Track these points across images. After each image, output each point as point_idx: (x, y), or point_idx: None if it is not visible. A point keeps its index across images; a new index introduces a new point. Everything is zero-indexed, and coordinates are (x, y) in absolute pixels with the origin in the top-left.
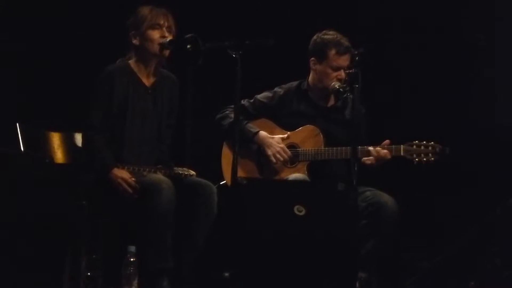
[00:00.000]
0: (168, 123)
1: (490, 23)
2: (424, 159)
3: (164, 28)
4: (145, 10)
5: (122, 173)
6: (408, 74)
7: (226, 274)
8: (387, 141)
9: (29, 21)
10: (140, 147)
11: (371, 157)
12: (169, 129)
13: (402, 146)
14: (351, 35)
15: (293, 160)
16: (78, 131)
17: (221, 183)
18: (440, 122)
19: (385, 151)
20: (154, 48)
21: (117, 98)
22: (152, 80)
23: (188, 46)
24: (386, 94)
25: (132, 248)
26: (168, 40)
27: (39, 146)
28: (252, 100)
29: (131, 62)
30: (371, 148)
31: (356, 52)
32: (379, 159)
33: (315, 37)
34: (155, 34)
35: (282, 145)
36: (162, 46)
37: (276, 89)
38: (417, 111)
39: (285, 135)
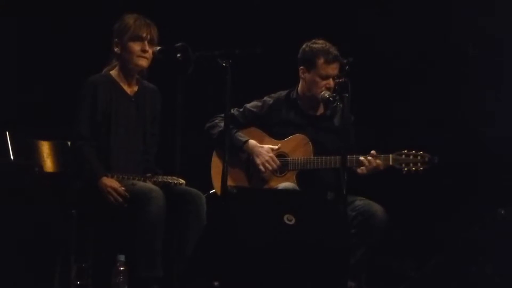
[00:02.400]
0: (152, 132)
1: (482, 32)
2: (413, 168)
3: (146, 42)
4: (129, 20)
5: (111, 182)
6: (397, 83)
7: (216, 283)
8: (373, 152)
9: (17, 25)
10: (126, 155)
11: (362, 167)
12: (154, 138)
13: (391, 155)
14: (340, 44)
15: (282, 169)
16: (68, 140)
17: (210, 192)
18: (429, 132)
19: (379, 161)
20: (133, 60)
21: (101, 107)
22: (134, 88)
23: (178, 55)
24: (375, 103)
25: (122, 257)
26: (158, 48)
27: (29, 155)
28: (241, 109)
29: (113, 72)
30: (362, 158)
31: (345, 61)
32: (371, 169)
33: (304, 46)
34: (136, 47)
35: (271, 154)
36: (153, 54)
37: (265, 98)
38: (407, 120)
39: (275, 145)
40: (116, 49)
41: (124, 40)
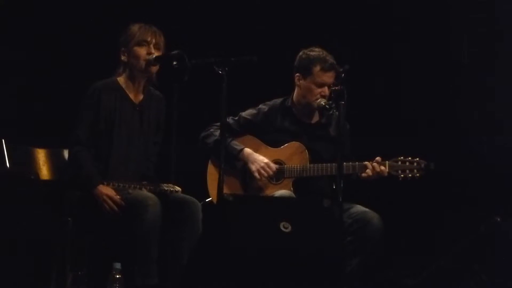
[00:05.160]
0: (154, 141)
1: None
2: (410, 175)
3: (151, 45)
4: (134, 28)
5: (107, 190)
6: (392, 90)
7: None
8: (378, 158)
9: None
10: (126, 163)
11: (368, 171)
12: (155, 147)
13: (387, 162)
14: (335, 51)
15: (279, 176)
16: (64, 148)
17: (206, 200)
18: (425, 139)
19: (383, 167)
20: (139, 65)
21: (103, 113)
22: (140, 97)
23: (174, 63)
24: (370, 110)
25: (118, 265)
26: (154, 56)
27: (25, 162)
28: (236, 118)
29: (120, 79)
30: (366, 162)
31: (341, 69)
32: (375, 173)
33: (300, 53)
34: (142, 51)
35: (266, 161)
36: (148, 62)
37: (260, 106)
38: (403, 127)
39: (271, 153)
40: (123, 58)
41: (130, 46)
